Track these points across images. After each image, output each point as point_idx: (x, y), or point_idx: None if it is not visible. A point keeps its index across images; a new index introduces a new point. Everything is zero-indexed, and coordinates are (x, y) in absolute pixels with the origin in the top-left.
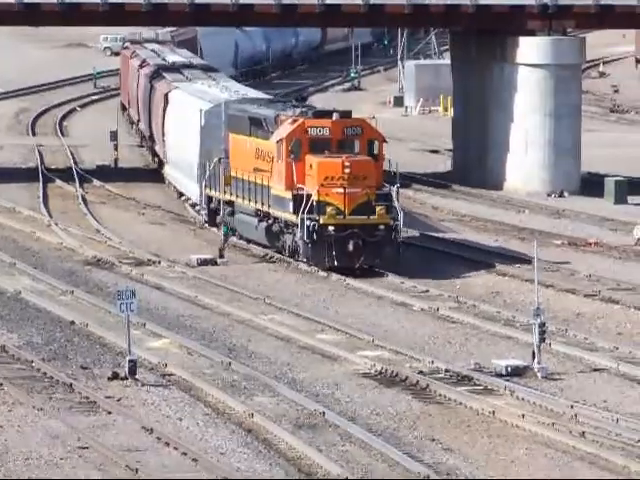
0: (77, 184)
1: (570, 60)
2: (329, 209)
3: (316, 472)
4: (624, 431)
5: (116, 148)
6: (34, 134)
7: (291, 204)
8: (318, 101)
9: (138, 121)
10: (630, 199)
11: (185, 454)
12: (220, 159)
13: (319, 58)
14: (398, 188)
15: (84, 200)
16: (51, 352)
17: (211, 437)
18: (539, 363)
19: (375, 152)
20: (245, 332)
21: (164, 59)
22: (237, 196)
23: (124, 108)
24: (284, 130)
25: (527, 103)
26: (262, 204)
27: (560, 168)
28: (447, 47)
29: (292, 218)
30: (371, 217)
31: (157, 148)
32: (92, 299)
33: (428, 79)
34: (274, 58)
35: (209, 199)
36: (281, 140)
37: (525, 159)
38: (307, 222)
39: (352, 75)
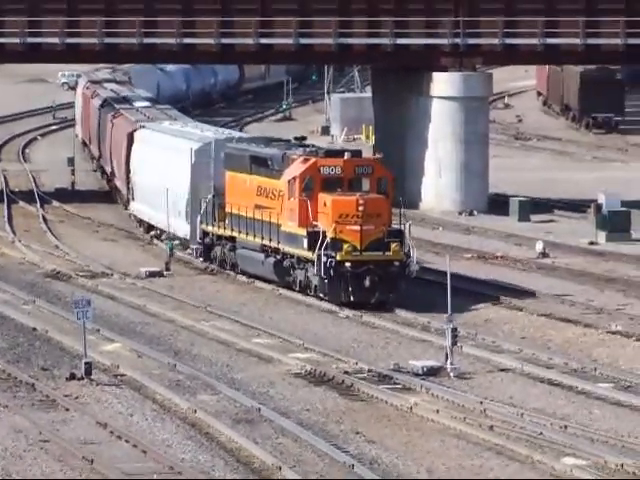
0: (38, 205)
1: (479, 93)
2: (345, 246)
3: (253, 462)
4: (528, 424)
5: (73, 173)
6: None
7: (306, 241)
8: (254, 130)
9: (99, 157)
10: (533, 217)
11: (135, 446)
12: (214, 195)
13: (238, 96)
14: (410, 225)
15: (44, 219)
16: (15, 355)
17: (159, 431)
18: (452, 364)
19: (384, 190)
20: (189, 337)
21: (124, 98)
22: (240, 232)
23: (85, 144)
24: (296, 169)
25: (440, 131)
26: (270, 240)
27: (470, 189)
28: (369, 82)
29: (307, 254)
30: (386, 253)
31: (119, 184)
32: (52, 308)
33: (352, 110)
34: (194, 96)
35: (204, 234)
36: (294, 178)
37: (439, 181)
38: (324, 258)
39: (284, 107)
